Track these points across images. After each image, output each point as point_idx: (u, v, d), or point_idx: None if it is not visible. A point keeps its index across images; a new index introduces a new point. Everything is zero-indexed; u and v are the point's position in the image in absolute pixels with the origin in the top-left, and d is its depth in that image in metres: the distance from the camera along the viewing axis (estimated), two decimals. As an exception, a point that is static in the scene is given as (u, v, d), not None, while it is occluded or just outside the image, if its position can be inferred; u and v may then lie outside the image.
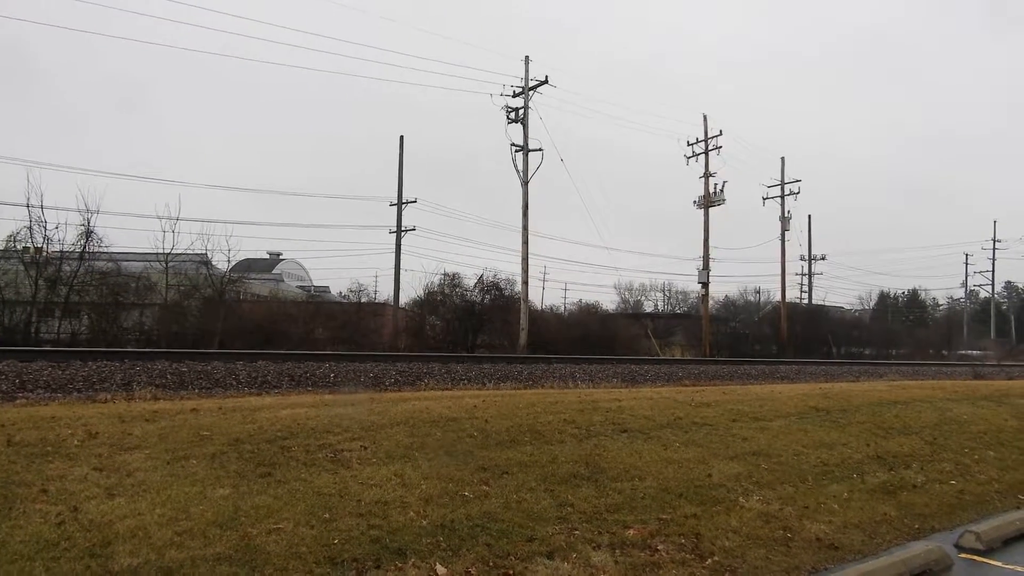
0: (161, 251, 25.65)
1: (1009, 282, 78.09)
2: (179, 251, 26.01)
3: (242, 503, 4.49)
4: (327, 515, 4.50)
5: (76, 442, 5.29)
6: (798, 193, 41.02)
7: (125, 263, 25.70)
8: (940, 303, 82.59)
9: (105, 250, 24.28)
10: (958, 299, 73.88)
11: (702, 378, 14.31)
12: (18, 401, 7.54)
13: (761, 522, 5.73)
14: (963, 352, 50.42)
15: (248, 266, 36.41)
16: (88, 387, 8.33)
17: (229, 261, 27.83)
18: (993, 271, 62.16)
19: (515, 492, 5.36)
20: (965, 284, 68.26)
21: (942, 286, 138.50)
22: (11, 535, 3.81)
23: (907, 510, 6.85)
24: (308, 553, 4.03)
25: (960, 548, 6.14)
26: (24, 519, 4.00)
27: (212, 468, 5.03)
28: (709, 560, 4.92)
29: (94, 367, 9.49)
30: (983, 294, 68.07)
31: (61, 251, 23.11)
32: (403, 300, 34.55)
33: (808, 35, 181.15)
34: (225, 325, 24.82)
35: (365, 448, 5.80)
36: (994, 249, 61.01)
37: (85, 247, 23.35)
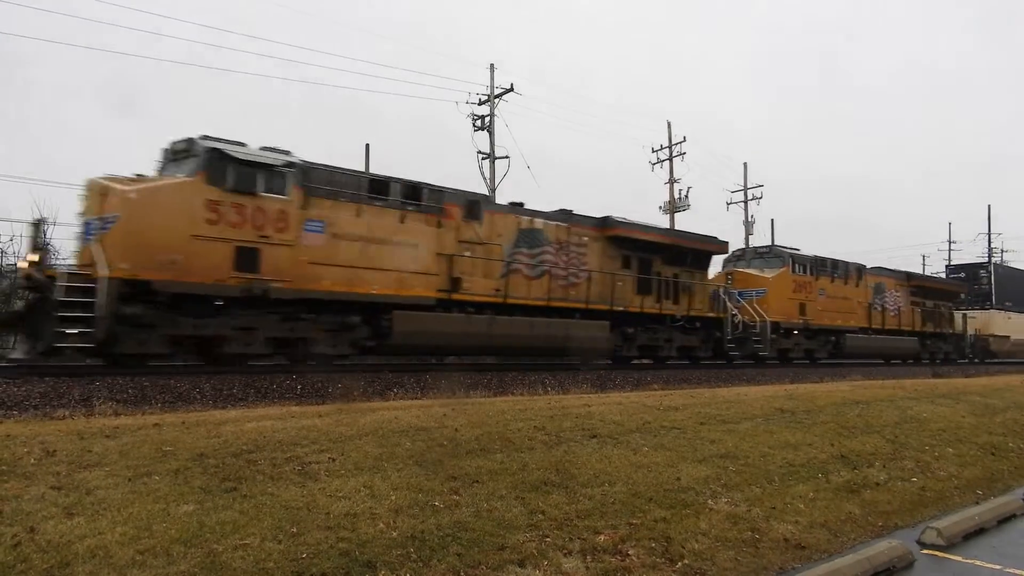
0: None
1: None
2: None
3: (207, 519, 4.40)
4: (295, 529, 4.43)
5: (33, 460, 5.13)
6: (761, 198, 41.76)
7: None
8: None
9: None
10: (916, 300, 75.60)
11: (670, 382, 14.43)
12: (-29, 420, 7.24)
13: (729, 524, 5.80)
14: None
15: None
16: (45, 403, 8.08)
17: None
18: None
19: (486, 500, 5.34)
20: (922, 285, 69.97)
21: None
22: (-36, 559, 3.68)
23: (871, 508, 7.00)
24: (275, 568, 3.97)
25: (922, 544, 6.29)
26: (-23, 542, 3.86)
27: (175, 484, 4.92)
28: (679, 563, 4.96)
29: (51, 383, 9.22)
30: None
31: (15, 264, 22.37)
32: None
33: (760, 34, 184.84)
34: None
35: (333, 460, 5.73)
36: (950, 251, 62.54)
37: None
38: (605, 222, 18.34)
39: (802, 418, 9.83)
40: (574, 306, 16.83)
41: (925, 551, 6.17)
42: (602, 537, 5.09)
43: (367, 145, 35.05)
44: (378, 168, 29.74)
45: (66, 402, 8.18)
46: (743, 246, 24.75)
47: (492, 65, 29.04)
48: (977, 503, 7.78)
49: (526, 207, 16.77)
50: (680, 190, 35.77)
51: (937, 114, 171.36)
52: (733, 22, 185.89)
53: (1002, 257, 61.93)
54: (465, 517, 5.00)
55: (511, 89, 28.95)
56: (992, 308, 37.01)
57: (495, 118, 28.97)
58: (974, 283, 38.55)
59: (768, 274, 23.11)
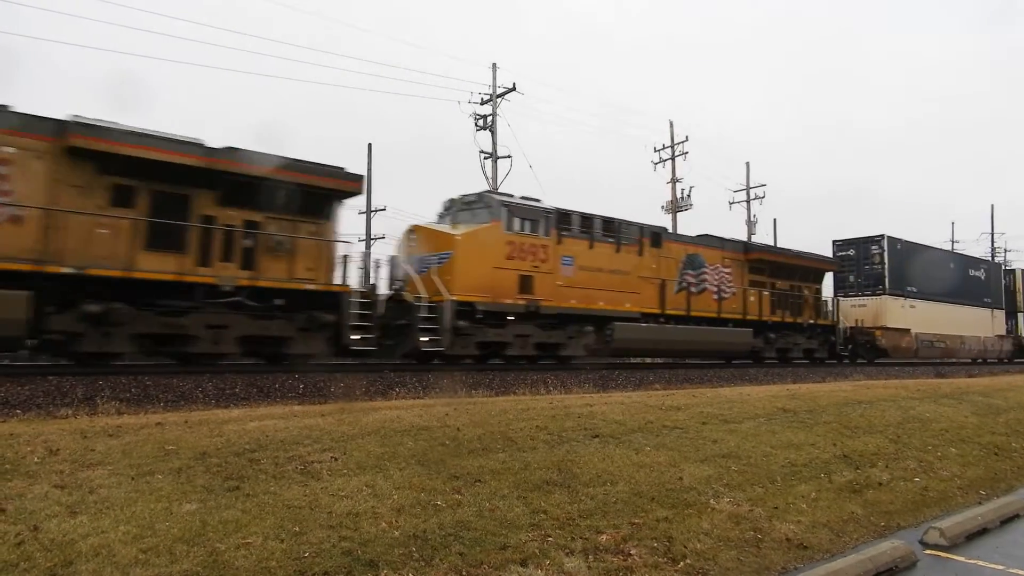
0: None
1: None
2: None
3: (209, 518, 4.41)
4: (297, 528, 4.44)
5: (36, 459, 5.14)
6: (763, 197, 41.76)
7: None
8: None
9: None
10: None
11: (672, 381, 14.43)
12: (-26, 418, 7.25)
13: (732, 524, 5.79)
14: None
15: (214, 276, 35.25)
16: (49, 402, 8.11)
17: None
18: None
19: (488, 500, 5.34)
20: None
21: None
22: (-33, 557, 3.69)
23: (873, 508, 6.99)
24: (278, 568, 3.97)
25: (925, 544, 6.28)
26: (-19, 540, 3.87)
27: (178, 483, 4.93)
28: (681, 563, 4.96)
29: (55, 381, 9.25)
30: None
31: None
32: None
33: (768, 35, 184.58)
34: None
35: (336, 459, 5.73)
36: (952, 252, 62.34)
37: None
38: (64, 127, 10.76)
39: (804, 418, 9.82)
40: None
41: (928, 551, 6.16)
42: (604, 537, 5.09)
43: (369, 145, 35.14)
44: (376, 167, 29.64)
45: (69, 401, 8.20)
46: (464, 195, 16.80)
47: (495, 64, 29.10)
48: (980, 503, 7.76)
49: None
50: (682, 190, 35.80)
51: (938, 113, 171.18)
52: (735, 23, 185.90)
53: (1005, 257, 61.57)
54: (467, 516, 5.00)
55: (513, 88, 29.00)
56: (885, 294, 27.89)
57: (497, 117, 29.01)
58: (864, 262, 28.89)
59: (459, 231, 15.38)
